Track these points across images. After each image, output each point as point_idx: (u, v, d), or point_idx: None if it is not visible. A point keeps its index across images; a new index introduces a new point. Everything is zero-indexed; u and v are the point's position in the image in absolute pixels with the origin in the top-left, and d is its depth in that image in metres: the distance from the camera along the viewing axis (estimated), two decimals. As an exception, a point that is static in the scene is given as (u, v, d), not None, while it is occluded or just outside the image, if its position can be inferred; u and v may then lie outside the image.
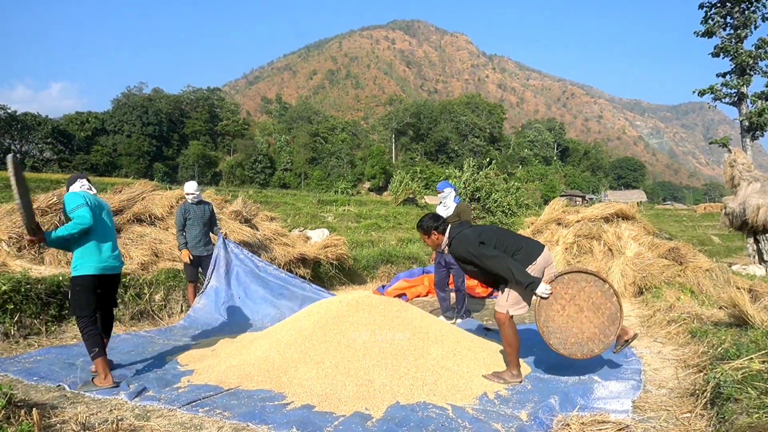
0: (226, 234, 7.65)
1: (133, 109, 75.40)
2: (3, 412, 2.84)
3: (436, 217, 4.24)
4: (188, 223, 6.75)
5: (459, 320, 6.48)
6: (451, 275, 6.84)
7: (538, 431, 3.02)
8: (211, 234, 7.06)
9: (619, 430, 2.97)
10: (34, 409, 2.93)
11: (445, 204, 6.78)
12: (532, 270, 3.84)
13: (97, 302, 4.05)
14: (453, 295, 7.01)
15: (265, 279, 7.01)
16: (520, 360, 4.57)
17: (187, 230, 6.76)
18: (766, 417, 2.63)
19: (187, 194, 6.85)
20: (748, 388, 3.01)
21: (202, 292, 6.66)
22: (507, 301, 3.94)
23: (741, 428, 2.55)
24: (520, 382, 3.92)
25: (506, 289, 3.93)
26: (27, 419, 2.81)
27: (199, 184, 8.07)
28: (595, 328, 3.77)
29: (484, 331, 5.61)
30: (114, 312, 4.64)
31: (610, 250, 9.97)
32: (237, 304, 6.66)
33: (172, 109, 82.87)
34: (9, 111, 62.17)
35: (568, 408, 3.34)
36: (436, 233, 4.16)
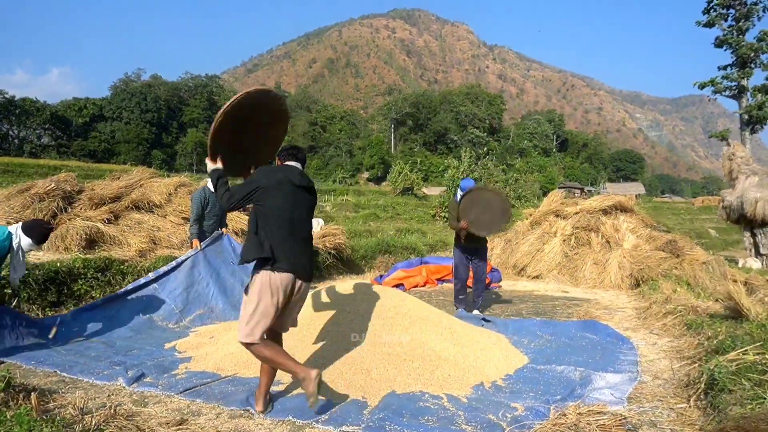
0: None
1: (132, 95, 74.84)
2: (2, 395, 2.86)
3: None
4: (206, 212, 6.57)
5: (461, 311, 6.46)
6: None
7: (534, 421, 3.05)
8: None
9: (616, 420, 3.00)
10: (32, 393, 2.94)
11: None
12: None
13: None
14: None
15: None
16: (517, 350, 4.58)
17: (205, 218, 6.54)
18: (759, 407, 2.66)
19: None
20: (742, 380, 3.03)
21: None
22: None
23: (734, 419, 2.57)
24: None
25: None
26: (25, 403, 2.82)
27: (197, 172, 8.00)
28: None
29: (482, 322, 5.63)
30: None
31: (608, 242, 10.00)
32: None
33: (171, 96, 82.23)
34: (7, 96, 61.72)
35: (565, 398, 3.36)
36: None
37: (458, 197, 6.38)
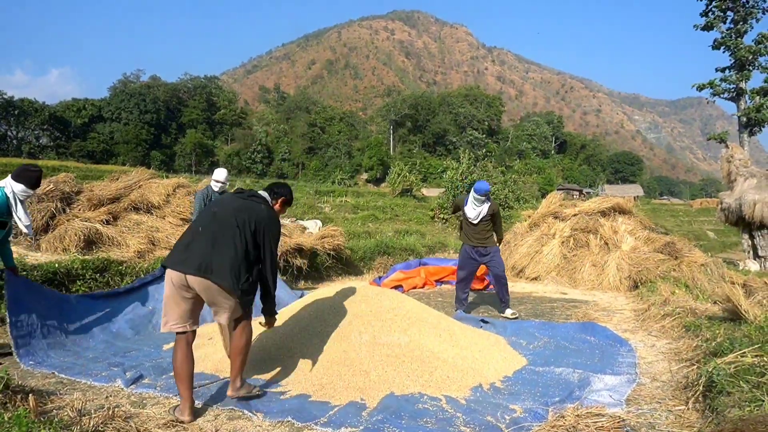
0: None
1: (131, 96, 74.74)
2: (0, 397, 2.85)
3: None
4: None
5: (509, 311, 6.43)
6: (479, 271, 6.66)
7: (532, 423, 3.05)
8: None
9: (614, 422, 3.00)
10: (30, 394, 2.93)
11: (478, 206, 6.25)
12: None
13: None
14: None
15: None
16: (515, 352, 4.58)
17: None
18: (757, 410, 2.66)
19: (215, 181, 6.64)
20: (741, 382, 3.03)
21: None
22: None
23: (732, 421, 2.57)
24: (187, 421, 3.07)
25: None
26: (23, 405, 2.81)
27: (196, 173, 7.99)
28: None
29: (480, 323, 5.64)
30: None
31: (607, 243, 10.01)
32: None
33: (170, 97, 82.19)
34: (6, 97, 61.68)
35: (563, 400, 3.36)
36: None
37: (468, 199, 6.37)
